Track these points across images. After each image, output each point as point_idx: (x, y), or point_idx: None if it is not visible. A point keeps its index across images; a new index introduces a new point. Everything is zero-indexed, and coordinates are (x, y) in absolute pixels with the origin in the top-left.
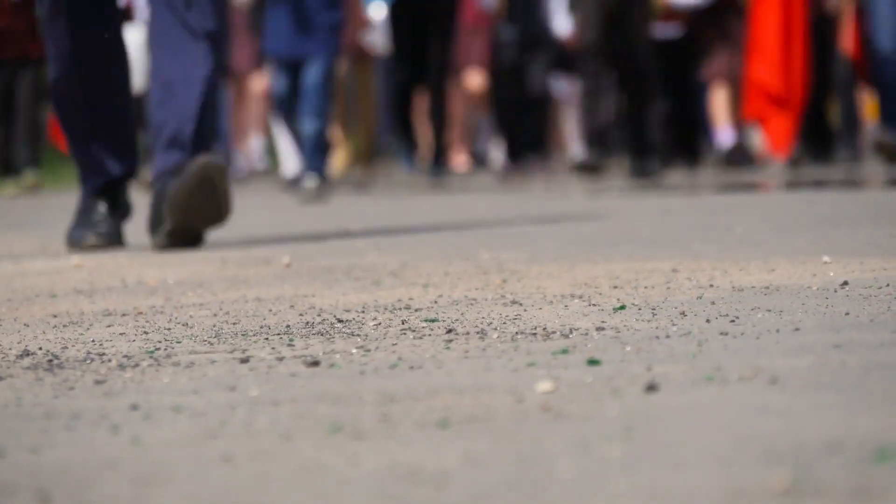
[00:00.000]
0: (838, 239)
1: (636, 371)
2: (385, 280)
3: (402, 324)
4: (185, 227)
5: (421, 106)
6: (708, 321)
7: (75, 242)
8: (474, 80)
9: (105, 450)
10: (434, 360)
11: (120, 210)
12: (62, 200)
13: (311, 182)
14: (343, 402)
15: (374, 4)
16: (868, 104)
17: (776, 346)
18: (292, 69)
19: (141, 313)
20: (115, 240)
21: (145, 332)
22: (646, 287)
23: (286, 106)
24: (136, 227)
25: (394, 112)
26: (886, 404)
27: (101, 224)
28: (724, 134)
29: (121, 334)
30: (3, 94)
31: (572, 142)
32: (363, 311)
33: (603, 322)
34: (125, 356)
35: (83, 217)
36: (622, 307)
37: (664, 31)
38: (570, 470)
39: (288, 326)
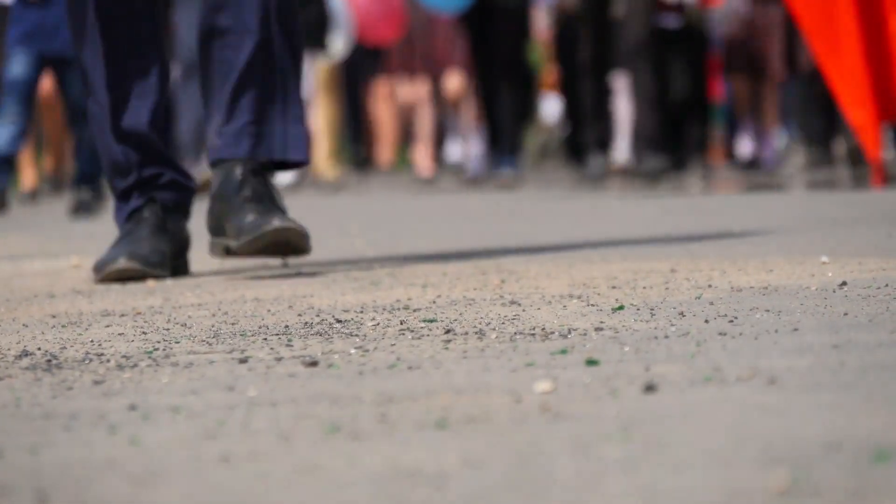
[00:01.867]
0: (837, 239)
1: (635, 371)
2: (383, 280)
3: (401, 324)
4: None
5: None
6: (706, 321)
7: (99, 267)
8: (452, 81)
9: (103, 450)
10: (432, 361)
11: (171, 232)
12: (61, 202)
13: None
14: (341, 402)
15: None
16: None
17: (775, 346)
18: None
19: (139, 313)
20: (156, 264)
21: (144, 333)
22: (644, 287)
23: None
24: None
25: (489, 117)
26: (885, 404)
27: (142, 244)
28: None
29: (119, 334)
30: None
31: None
32: (362, 312)
33: (601, 322)
34: (124, 356)
35: (119, 240)
36: (621, 307)
37: (664, 20)
38: (569, 470)
39: (286, 327)
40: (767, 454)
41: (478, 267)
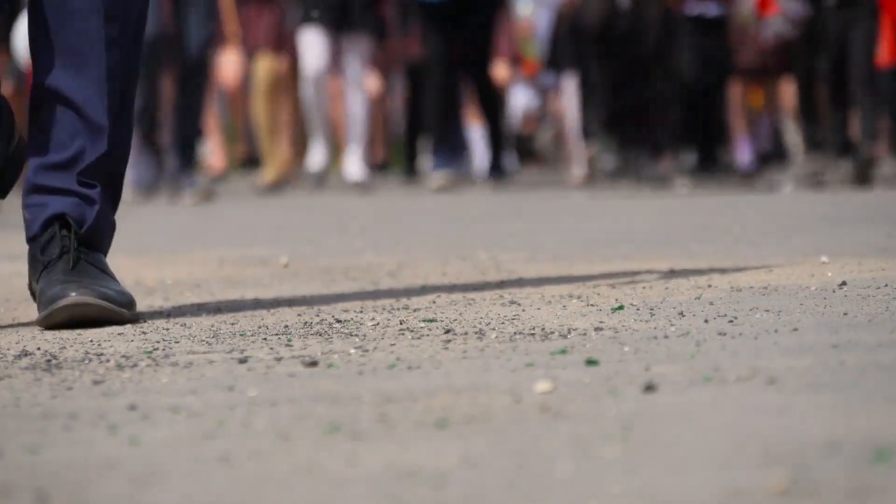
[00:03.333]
0: (837, 239)
1: (634, 371)
2: (383, 280)
3: (401, 324)
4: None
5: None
6: (706, 321)
7: (46, 303)
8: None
9: (103, 450)
10: (432, 361)
11: None
12: None
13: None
14: (341, 402)
15: None
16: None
17: (774, 346)
18: None
19: (139, 313)
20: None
21: (143, 333)
22: (644, 287)
23: None
24: (128, 228)
25: (441, 115)
26: (884, 404)
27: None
28: None
29: (119, 334)
30: None
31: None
32: (361, 312)
33: (601, 322)
34: (123, 356)
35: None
36: (620, 307)
37: (703, 8)
38: (569, 470)
39: (286, 326)
40: (767, 454)
41: (478, 267)
